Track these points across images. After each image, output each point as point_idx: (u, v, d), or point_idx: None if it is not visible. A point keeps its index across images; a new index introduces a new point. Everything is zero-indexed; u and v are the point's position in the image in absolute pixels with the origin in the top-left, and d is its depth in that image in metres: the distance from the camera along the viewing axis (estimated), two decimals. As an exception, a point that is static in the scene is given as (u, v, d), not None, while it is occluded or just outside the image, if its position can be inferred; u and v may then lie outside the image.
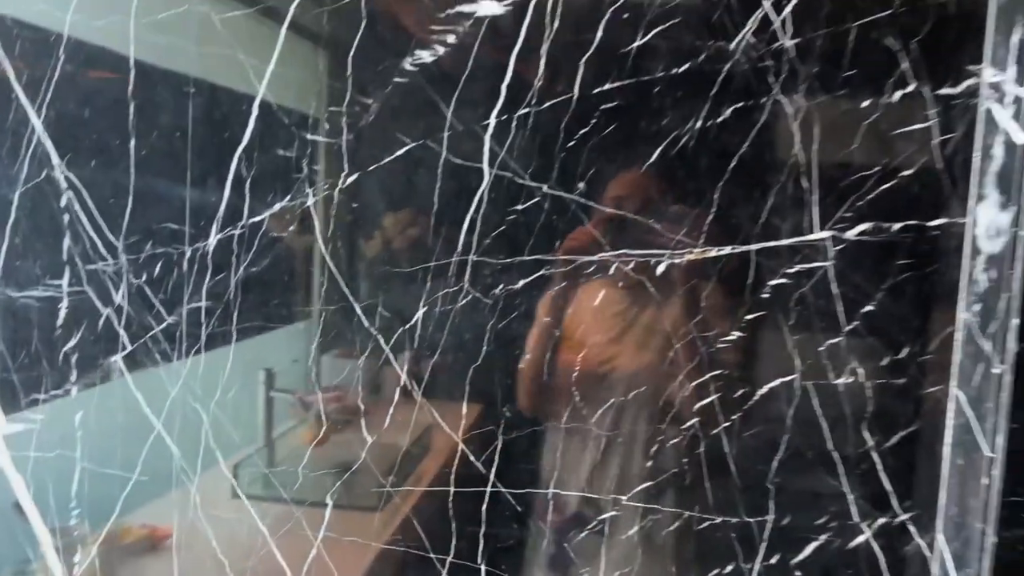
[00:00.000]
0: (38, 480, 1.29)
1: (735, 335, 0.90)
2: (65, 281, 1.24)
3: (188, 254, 1.15)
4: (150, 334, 1.18)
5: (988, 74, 0.76)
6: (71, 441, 1.25)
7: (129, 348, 1.20)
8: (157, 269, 1.17)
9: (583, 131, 0.93)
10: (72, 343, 1.24)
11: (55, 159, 1.23)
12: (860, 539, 0.85)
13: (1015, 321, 0.76)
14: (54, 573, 1.27)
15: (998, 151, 0.76)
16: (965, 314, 0.78)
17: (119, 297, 1.20)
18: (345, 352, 1.11)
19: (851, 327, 0.84)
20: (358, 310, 1.06)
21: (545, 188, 0.95)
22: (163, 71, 1.17)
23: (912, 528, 0.83)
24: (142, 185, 1.19)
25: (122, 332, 1.20)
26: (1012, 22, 0.74)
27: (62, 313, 1.25)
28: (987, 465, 0.77)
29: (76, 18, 1.20)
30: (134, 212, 1.19)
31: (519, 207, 0.96)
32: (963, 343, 0.79)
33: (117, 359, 1.21)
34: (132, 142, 1.18)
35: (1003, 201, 0.76)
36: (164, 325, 1.17)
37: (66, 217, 1.23)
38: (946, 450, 0.80)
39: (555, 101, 0.93)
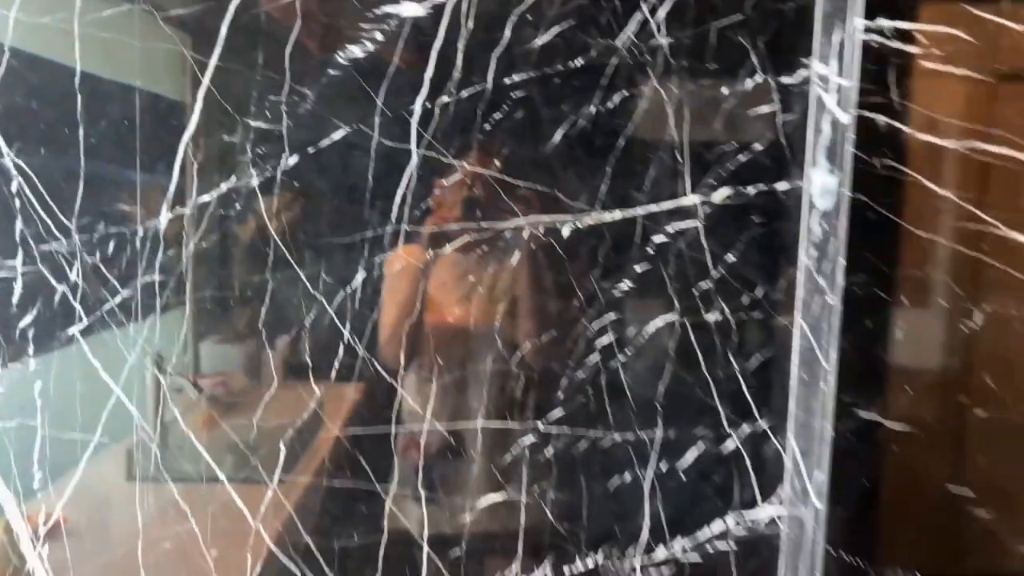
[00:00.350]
0: None
1: (627, 284, 1.08)
2: (18, 262, 1.33)
3: (140, 232, 1.26)
4: (106, 307, 1.29)
5: (817, 67, 0.96)
6: (31, 411, 1.34)
7: (86, 321, 1.30)
8: (110, 247, 1.28)
9: (496, 116, 1.09)
10: (28, 319, 1.34)
11: (4, 148, 1.31)
12: (730, 444, 1.05)
13: (842, 261, 0.96)
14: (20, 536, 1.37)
15: (826, 128, 0.96)
16: (805, 258, 0.98)
17: (74, 274, 1.30)
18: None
19: (718, 274, 1.03)
20: (303, 277, 1.19)
21: (466, 165, 1.11)
22: (108, 64, 1.27)
23: (770, 432, 1.03)
24: (92, 170, 1.29)
25: (78, 306, 1.30)
26: (833, 26, 0.94)
27: (17, 291, 1.34)
28: (824, 375, 0.98)
29: (20, 15, 1.29)
30: (85, 195, 1.29)
31: (444, 183, 1.12)
32: (804, 281, 0.99)
33: (74, 331, 1.31)
34: (81, 130, 1.28)
35: (831, 168, 0.96)
36: (119, 299, 1.28)
37: (17, 202, 1.32)
38: (793, 368, 1.00)
39: (472, 91, 1.09)
